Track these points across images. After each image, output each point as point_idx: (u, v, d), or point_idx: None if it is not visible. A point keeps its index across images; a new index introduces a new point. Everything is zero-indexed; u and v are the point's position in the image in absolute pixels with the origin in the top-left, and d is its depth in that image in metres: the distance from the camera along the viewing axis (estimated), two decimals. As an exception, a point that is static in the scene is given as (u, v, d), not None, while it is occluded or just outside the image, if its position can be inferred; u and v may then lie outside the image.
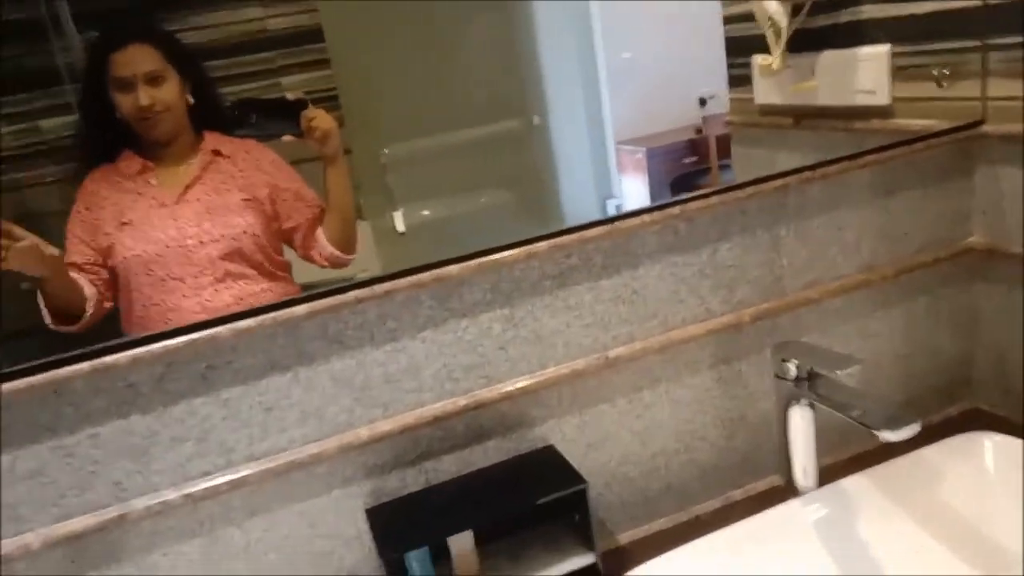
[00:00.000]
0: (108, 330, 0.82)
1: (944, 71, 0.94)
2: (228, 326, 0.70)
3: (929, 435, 0.78)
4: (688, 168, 1.26)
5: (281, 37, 0.93)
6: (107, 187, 0.82)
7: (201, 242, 0.81)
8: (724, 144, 1.25)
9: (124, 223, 0.81)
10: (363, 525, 0.80)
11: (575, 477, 0.78)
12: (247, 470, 0.74)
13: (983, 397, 1.05)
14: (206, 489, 0.72)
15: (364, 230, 0.99)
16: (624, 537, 0.91)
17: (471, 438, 0.83)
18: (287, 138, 0.83)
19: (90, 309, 0.78)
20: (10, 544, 0.68)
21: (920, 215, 0.96)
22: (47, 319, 0.76)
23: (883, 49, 1.00)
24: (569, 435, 0.86)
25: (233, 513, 0.75)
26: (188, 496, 0.72)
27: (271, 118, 0.83)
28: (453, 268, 0.77)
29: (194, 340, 0.69)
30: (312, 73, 0.96)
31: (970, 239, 0.99)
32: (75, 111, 0.84)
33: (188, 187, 0.82)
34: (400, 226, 1.09)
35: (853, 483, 0.88)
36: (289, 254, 0.88)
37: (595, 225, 0.80)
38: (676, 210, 0.82)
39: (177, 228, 0.81)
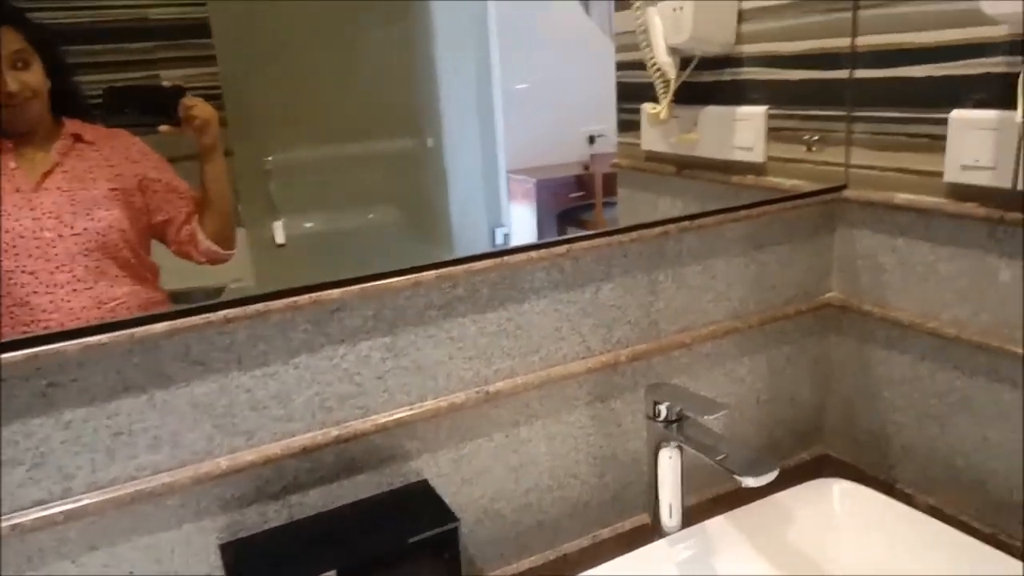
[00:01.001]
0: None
1: (814, 137, 1.02)
2: (77, 341, 0.63)
3: (785, 479, 0.82)
4: (574, 202, 1.29)
5: (163, 28, 0.88)
6: None
7: (60, 235, 0.74)
8: (609, 182, 1.29)
9: None
10: (217, 561, 0.74)
11: (447, 515, 0.76)
12: (88, 499, 0.67)
13: (833, 444, 1.13)
14: (37, 519, 0.65)
15: (241, 239, 0.94)
16: (495, 575, 0.90)
17: (341, 470, 0.79)
18: (164, 128, 0.77)
19: None
20: None
21: (786, 269, 1.02)
22: None
23: (760, 110, 1.07)
24: (444, 469, 0.84)
25: (68, 547, 0.68)
26: (16, 527, 0.64)
27: (146, 107, 0.78)
28: (334, 292, 0.74)
29: (36, 354, 0.62)
30: (195, 69, 0.91)
31: (828, 294, 1.06)
32: None
33: (46, 174, 0.75)
34: (280, 237, 1.05)
35: (715, 525, 0.91)
36: (159, 258, 0.82)
37: (484, 257, 0.80)
38: (563, 249, 0.83)
39: (33, 218, 0.74)
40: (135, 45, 0.85)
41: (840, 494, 0.94)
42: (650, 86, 1.15)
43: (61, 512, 0.66)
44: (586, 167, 1.28)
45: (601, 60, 1.23)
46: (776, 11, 1.05)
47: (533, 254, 0.82)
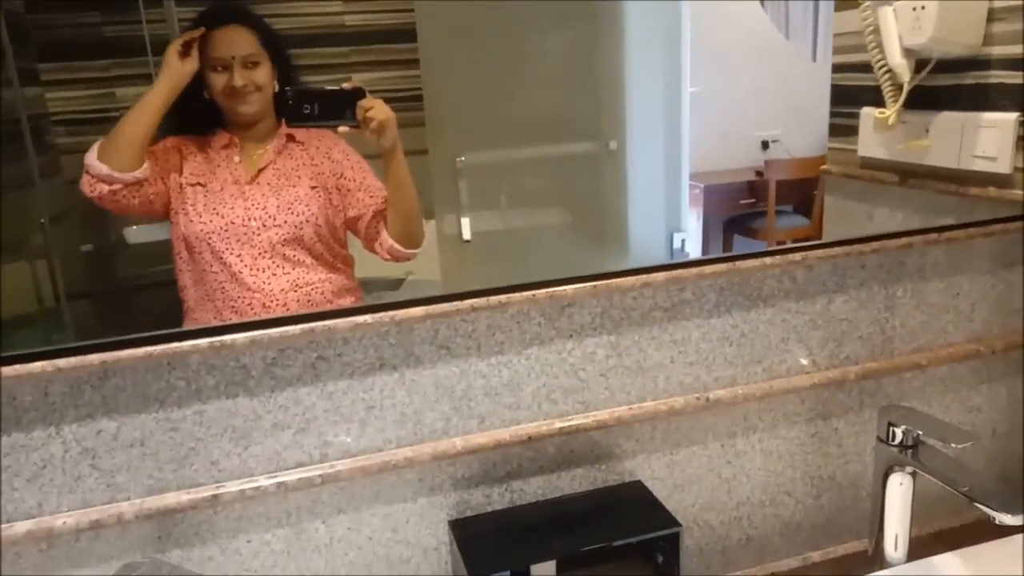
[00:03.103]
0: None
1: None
2: (347, 319, 0.69)
3: None
4: (744, 209, 1.25)
5: (378, 33, 0.94)
6: (195, 147, 0.83)
7: (264, 225, 0.81)
8: (783, 189, 1.23)
9: (199, 183, 0.82)
10: (444, 537, 0.78)
11: (668, 519, 0.75)
12: (341, 466, 0.73)
13: (1078, 488, 1.01)
14: (299, 480, 0.71)
15: (430, 233, 0.98)
16: (698, 585, 0.88)
17: (560, 462, 0.81)
18: (343, 128, 0.81)
19: (140, 174, 0.78)
20: (104, 511, 0.67)
21: (1038, 291, 0.93)
22: (93, 152, 0.76)
23: (1011, 116, 0.98)
24: (657, 473, 0.84)
25: (320, 507, 0.74)
26: (281, 485, 0.71)
27: (327, 108, 0.81)
28: (568, 288, 0.75)
29: (312, 328, 0.68)
30: (400, 72, 0.96)
31: (1085, 322, 0.95)
32: (152, 83, 0.84)
33: (261, 170, 0.83)
34: (467, 233, 1.09)
35: (944, 562, 0.84)
36: (354, 249, 0.88)
37: (715, 261, 0.78)
38: (798, 256, 0.81)
39: (244, 208, 0.82)
40: (352, 48, 0.92)
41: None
42: (869, 89, 1.09)
43: (319, 475, 0.72)
44: (759, 173, 1.23)
45: (778, 64, 1.19)
46: (1027, 11, 0.96)
47: (767, 260, 0.80)
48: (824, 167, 1.22)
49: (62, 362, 0.63)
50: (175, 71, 0.78)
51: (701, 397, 0.82)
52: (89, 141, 0.80)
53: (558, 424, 0.79)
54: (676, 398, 0.82)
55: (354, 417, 0.73)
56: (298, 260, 0.83)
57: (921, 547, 0.84)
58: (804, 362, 0.85)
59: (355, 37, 0.93)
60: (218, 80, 0.81)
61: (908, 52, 1.03)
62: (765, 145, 1.24)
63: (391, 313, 0.70)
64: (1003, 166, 0.99)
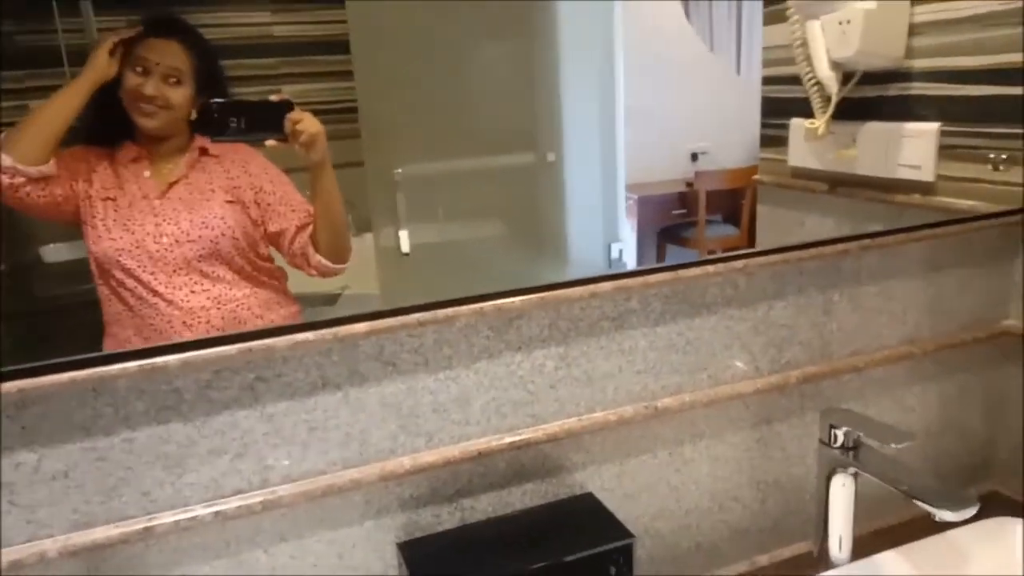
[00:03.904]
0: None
1: (1002, 155, 0.96)
2: (286, 337, 0.66)
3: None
4: (676, 220, 1.27)
5: (307, 44, 0.92)
6: (104, 160, 0.79)
7: (177, 241, 0.78)
8: (713, 199, 1.26)
9: (108, 197, 0.78)
10: (392, 560, 0.76)
11: (621, 531, 0.75)
12: (283, 491, 0.69)
13: (1004, 481, 1.05)
14: (238, 507, 0.68)
15: (366, 247, 0.97)
16: (650, 595, 0.88)
17: (511, 478, 0.79)
18: (271, 142, 0.79)
19: (45, 169, 0.74)
20: (25, 550, 0.63)
21: (963, 294, 0.97)
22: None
23: (932, 127, 1.02)
24: (607, 484, 0.84)
25: (261, 536, 0.71)
26: (219, 514, 0.67)
27: (254, 121, 0.78)
28: (516, 300, 0.74)
29: (249, 348, 0.65)
30: (333, 83, 0.94)
31: (1006, 322, 1.00)
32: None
33: (172, 184, 0.80)
34: (405, 246, 1.07)
35: (887, 560, 0.86)
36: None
37: (660, 271, 0.79)
38: (739, 264, 0.82)
39: (155, 224, 0.78)
40: (278, 59, 0.90)
41: (1022, 534, 0.88)
42: (799, 101, 1.12)
43: (260, 501, 0.69)
44: (689, 184, 1.26)
45: (705, 77, 1.22)
46: (953, 25, 1.00)
47: (710, 268, 0.80)
48: (756, 177, 1.25)
49: (-26, 391, 0.59)
50: (100, 67, 0.74)
51: (649, 406, 0.82)
52: None
53: (508, 439, 0.77)
54: (625, 407, 0.82)
55: (296, 439, 0.70)
56: (218, 276, 0.80)
57: (864, 546, 0.86)
58: (740, 365, 0.86)
59: (285, 48, 0.90)
60: (132, 80, 0.77)
61: (835, 65, 1.06)
62: (695, 157, 1.26)
63: (334, 330, 0.68)
64: (927, 174, 1.03)
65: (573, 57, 1.16)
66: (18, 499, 0.63)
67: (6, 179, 0.72)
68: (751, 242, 1.22)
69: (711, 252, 1.36)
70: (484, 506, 0.79)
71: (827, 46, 1.08)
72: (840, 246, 0.86)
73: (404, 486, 0.75)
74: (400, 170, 1.07)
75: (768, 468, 0.91)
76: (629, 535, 0.74)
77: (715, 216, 1.29)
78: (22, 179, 0.73)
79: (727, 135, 1.26)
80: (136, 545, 0.66)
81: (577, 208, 1.22)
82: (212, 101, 0.78)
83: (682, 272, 0.80)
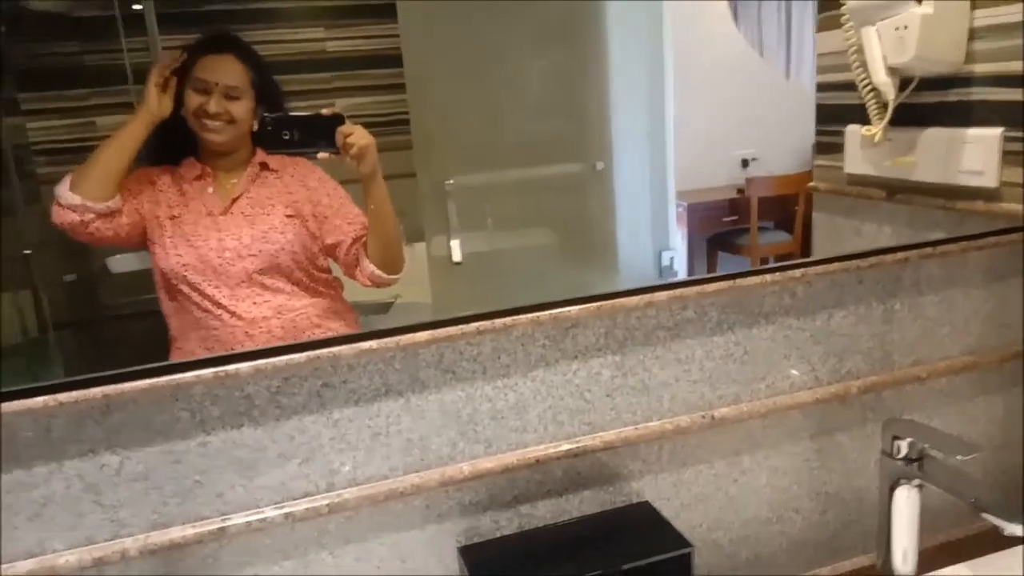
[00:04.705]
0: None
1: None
2: (351, 346, 0.68)
3: None
4: (727, 227, 1.26)
5: (360, 58, 0.95)
6: (169, 179, 0.83)
7: (239, 255, 0.81)
8: (765, 206, 1.24)
9: (173, 216, 0.82)
10: (453, 564, 0.77)
11: (679, 540, 0.75)
12: (348, 494, 0.72)
13: (1076, 496, 1.02)
14: (306, 510, 0.70)
15: (419, 256, 0.98)
16: (707, 606, 0.88)
17: (568, 485, 0.80)
18: (323, 155, 0.80)
19: (112, 204, 0.77)
20: (107, 548, 0.66)
21: (1031, 302, 0.94)
22: (64, 184, 0.75)
23: (995, 132, 1.00)
24: (664, 492, 0.84)
25: (327, 538, 0.73)
26: (288, 515, 0.70)
27: (307, 135, 0.80)
28: (572, 309, 0.75)
29: (317, 356, 0.68)
30: (385, 96, 0.97)
31: (1077, 332, 0.97)
32: (134, 111, 0.84)
33: (235, 199, 0.83)
34: (456, 255, 1.09)
35: (953, 574, 0.84)
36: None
37: (717, 280, 0.79)
38: (798, 273, 0.81)
39: (219, 239, 0.81)
40: (334, 73, 0.92)
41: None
42: (854, 107, 1.11)
43: (326, 504, 0.71)
44: (740, 191, 1.25)
45: (755, 84, 1.21)
46: (1014, 28, 0.98)
47: (767, 277, 0.80)
48: (811, 184, 1.23)
49: (63, 396, 0.62)
50: (152, 107, 0.77)
51: (706, 415, 0.82)
52: (69, 171, 0.79)
53: (565, 446, 0.78)
54: (682, 417, 0.82)
55: (360, 444, 0.72)
56: (278, 288, 0.83)
57: (927, 560, 0.84)
58: (796, 373, 0.85)
59: (338, 63, 0.93)
60: (194, 100, 0.80)
61: (892, 71, 1.05)
62: (745, 163, 1.25)
63: (396, 338, 0.70)
64: (990, 180, 1.00)
65: (622, 65, 1.17)
66: (102, 499, 0.66)
67: (76, 217, 0.76)
68: (804, 248, 1.21)
69: (763, 259, 1.35)
70: (542, 513, 0.80)
71: (883, 52, 1.06)
72: (900, 254, 0.85)
73: (464, 492, 0.76)
74: (451, 180, 1.09)
75: (828, 479, 0.90)
76: (687, 544, 0.74)
77: (767, 223, 1.28)
78: (91, 215, 0.77)
79: (778, 141, 1.25)
80: (210, 545, 0.69)
81: (627, 216, 1.22)
82: (266, 115, 0.81)
83: (739, 281, 0.80)
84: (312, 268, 0.85)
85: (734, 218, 1.26)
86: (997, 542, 0.82)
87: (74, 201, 0.76)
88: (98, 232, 0.78)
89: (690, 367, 0.82)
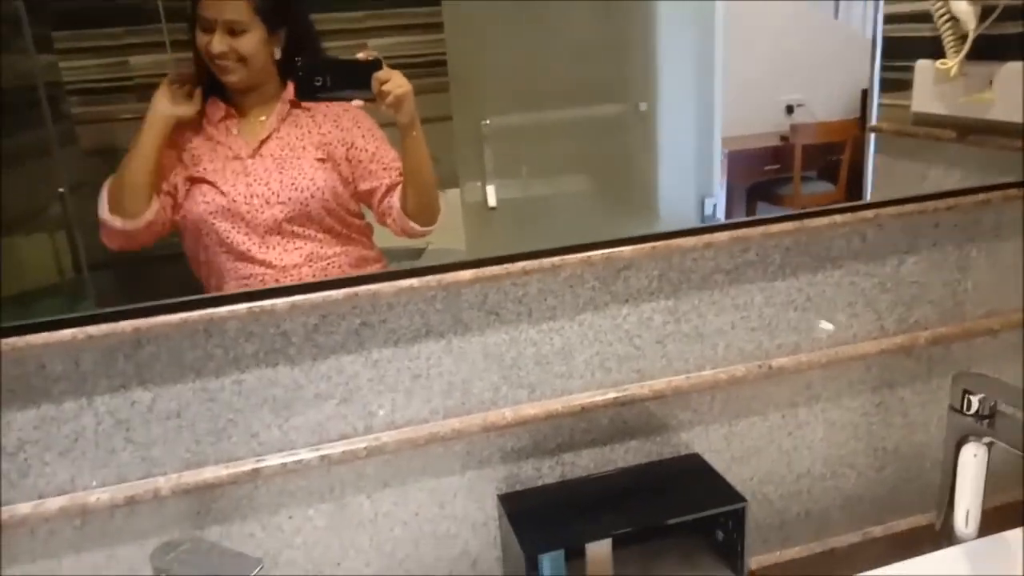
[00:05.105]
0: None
1: None
2: (391, 283, 0.65)
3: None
4: (769, 175, 1.20)
5: None
6: (191, 129, 0.78)
7: (267, 202, 0.76)
8: (809, 154, 1.18)
9: (199, 169, 0.77)
10: (492, 512, 0.75)
11: (732, 494, 0.71)
12: (387, 437, 0.69)
13: None
14: (343, 452, 0.68)
15: (454, 201, 0.94)
16: (754, 562, 0.84)
17: (614, 434, 0.77)
18: (357, 103, 0.76)
19: (149, 215, 0.74)
20: (140, 486, 0.64)
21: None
22: (104, 206, 0.72)
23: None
24: (715, 445, 0.80)
25: (365, 481, 0.70)
26: (324, 458, 0.67)
27: (341, 80, 0.74)
28: (625, 249, 0.70)
29: (356, 293, 0.64)
30: (420, 36, 0.91)
31: None
32: (167, 50, 0.79)
33: (264, 141, 0.77)
34: (492, 200, 1.04)
35: (1018, 537, 0.80)
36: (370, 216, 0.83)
37: (783, 220, 0.73)
38: (870, 214, 0.75)
39: (247, 184, 0.76)
40: (369, 12, 0.86)
41: None
42: (924, 40, 1.02)
43: (364, 447, 0.68)
44: (784, 138, 1.18)
45: (801, 26, 1.12)
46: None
47: (837, 218, 0.74)
48: (872, 125, 1.15)
49: (93, 329, 0.60)
50: (160, 117, 0.73)
51: (763, 365, 0.78)
52: (103, 112, 0.75)
53: (612, 394, 0.74)
54: (737, 366, 0.77)
55: (399, 387, 0.69)
56: (308, 235, 0.78)
57: (988, 522, 0.79)
58: (829, 327, 0.80)
59: (371, 1, 0.87)
60: (202, 40, 0.75)
61: (973, -1, 0.96)
62: (790, 109, 1.18)
63: (439, 277, 0.66)
64: (1076, 119, 0.92)
65: (670, 2, 1.10)
66: (134, 436, 0.64)
67: (124, 239, 0.73)
68: (849, 199, 1.15)
69: (801, 207, 1.29)
70: (586, 462, 0.77)
71: (967, -24, 0.97)
72: (981, 196, 0.78)
73: (506, 438, 0.73)
74: (487, 122, 1.03)
75: (888, 434, 0.85)
76: (741, 499, 0.70)
77: (810, 172, 1.21)
78: (138, 229, 0.73)
79: (824, 86, 1.18)
80: (245, 486, 0.67)
81: (669, 161, 1.16)
82: (298, 60, 0.76)
83: (807, 222, 0.74)
84: (345, 214, 0.80)
85: (776, 167, 1.19)
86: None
87: (116, 225, 0.73)
88: (151, 237, 0.75)
89: (748, 313, 0.77)
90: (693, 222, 1.19)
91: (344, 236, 0.80)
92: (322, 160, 0.78)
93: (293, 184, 0.77)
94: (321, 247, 0.78)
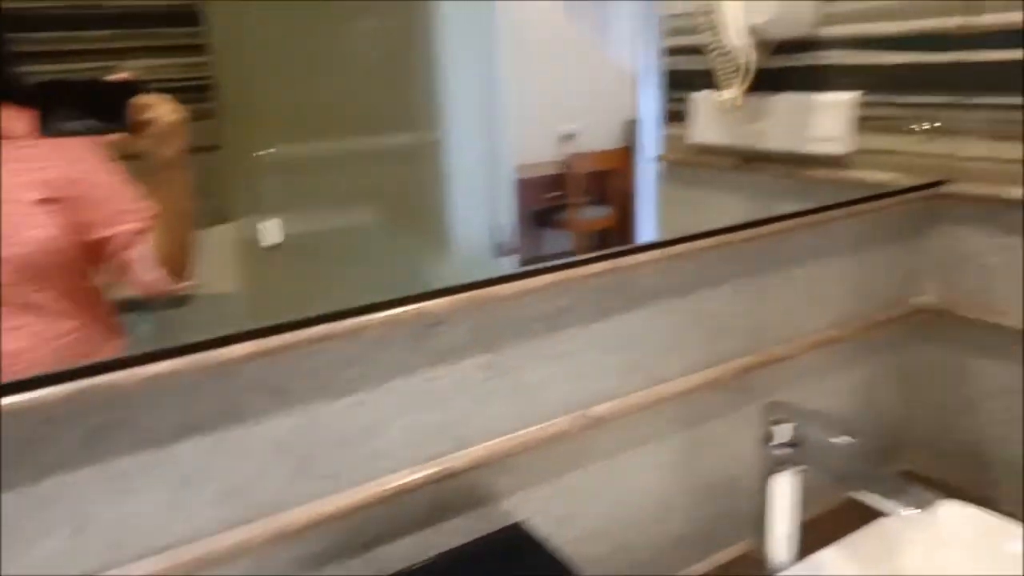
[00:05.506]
0: None
1: (923, 126, 0.93)
2: (137, 370, 0.49)
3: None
4: (549, 203, 1.23)
5: (145, 15, 0.74)
6: None
7: None
8: (589, 181, 1.22)
9: None
10: (290, 635, 0.61)
11: (558, 567, 0.64)
12: (140, 571, 0.52)
13: (917, 460, 1.04)
14: (80, 602, 0.50)
15: (222, 240, 0.81)
16: (587, 624, 0.78)
17: (432, 516, 0.66)
18: (111, 137, 0.59)
19: None
20: None
21: (884, 272, 0.94)
22: None
23: (847, 96, 0.98)
24: (540, 507, 0.72)
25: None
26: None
27: (88, 108, 0.58)
28: (434, 302, 0.61)
29: (88, 388, 0.48)
30: (182, 59, 0.77)
31: (922, 299, 0.98)
32: None
33: None
34: (268, 238, 0.91)
35: (829, 557, 0.81)
36: None
37: (599, 260, 0.68)
38: (679, 248, 0.72)
39: None
40: (126, 31, 0.71)
41: (952, 517, 0.86)
42: (704, 73, 1.05)
43: (113, 588, 0.51)
44: (561, 165, 1.21)
45: (578, 57, 1.15)
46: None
47: (647, 255, 0.71)
48: (661, 154, 1.18)
49: None
50: None
51: (585, 414, 0.72)
52: None
53: (428, 470, 0.64)
54: (558, 419, 0.71)
55: (154, 502, 0.53)
56: (38, 306, 0.59)
57: (808, 538, 0.80)
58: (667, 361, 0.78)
59: (116, 19, 0.70)
60: None
61: (747, 33, 0.99)
62: (566, 138, 1.20)
63: (204, 355, 0.51)
64: (842, 146, 0.98)
65: (454, 30, 1.04)
66: None
67: None
68: (624, 224, 1.18)
69: (582, 232, 1.32)
70: (402, 553, 0.65)
71: (740, 13, 1.01)
72: (777, 225, 0.79)
73: (304, 542, 0.60)
74: (265, 153, 0.90)
75: (705, 470, 0.84)
76: (567, 571, 0.63)
77: (588, 198, 1.24)
78: None
79: (600, 115, 1.20)
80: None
81: (460, 191, 1.11)
82: (37, 83, 0.57)
83: (619, 261, 0.69)
84: (78, 274, 0.61)
85: (557, 194, 1.21)
86: (860, 515, 0.80)
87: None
88: None
89: (568, 362, 0.71)
90: (488, 252, 1.14)
91: (81, 302, 0.61)
92: (45, 201, 0.59)
93: (12, 238, 0.57)
94: (55, 321, 0.59)
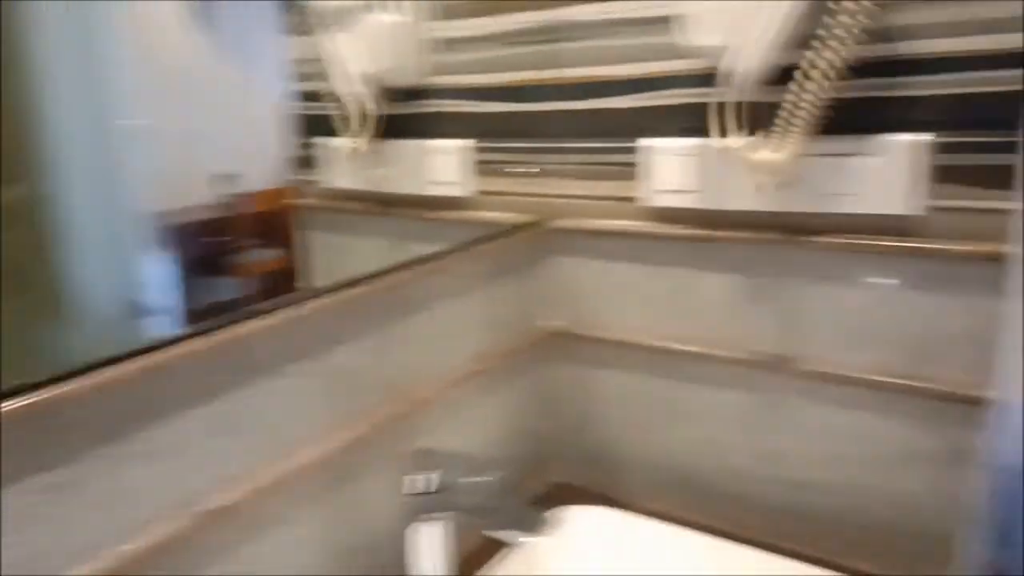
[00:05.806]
0: None
1: (518, 168, 1.01)
2: None
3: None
4: (210, 249, 1.15)
5: None
6: None
7: None
8: (256, 222, 1.17)
9: None
10: None
11: None
12: None
13: (565, 471, 1.12)
14: None
15: None
16: None
17: None
18: None
19: None
20: None
21: (510, 302, 0.99)
22: None
23: (458, 143, 1.03)
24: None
25: None
26: None
27: None
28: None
29: None
30: None
31: (550, 323, 1.06)
32: None
33: None
34: None
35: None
36: None
37: (203, 333, 0.60)
38: (305, 309, 0.67)
39: None
40: None
41: (588, 522, 0.93)
42: (334, 119, 1.04)
43: None
44: (219, 209, 1.14)
45: (226, 95, 1.10)
46: (473, 43, 1.02)
47: (261, 322, 0.64)
48: (296, 200, 1.13)
49: None
50: None
51: (197, 511, 0.63)
52: None
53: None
54: (167, 523, 0.61)
55: None
56: None
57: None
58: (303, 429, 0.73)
59: None
60: None
61: (364, 81, 1.00)
62: (221, 180, 1.11)
63: None
64: (459, 189, 1.03)
65: (55, 71, 0.89)
66: None
67: None
68: (294, 266, 1.13)
69: (253, 277, 1.23)
70: None
71: (355, 60, 1.01)
72: (404, 273, 0.78)
73: None
74: None
75: (348, 533, 0.79)
76: None
77: (253, 240, 1.16)
78: None
79: (259, 155, 1.13)
80: None
81: (81, 246, 0.94)
82: None
83: (230, 331, 0.62)
84: None
85: (218, 239, 1.10)
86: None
87: None
88: None
89: (172, 455, 0.61)
90: (126, 315, 0.98)
91: None
92: None
93: None
94: None
